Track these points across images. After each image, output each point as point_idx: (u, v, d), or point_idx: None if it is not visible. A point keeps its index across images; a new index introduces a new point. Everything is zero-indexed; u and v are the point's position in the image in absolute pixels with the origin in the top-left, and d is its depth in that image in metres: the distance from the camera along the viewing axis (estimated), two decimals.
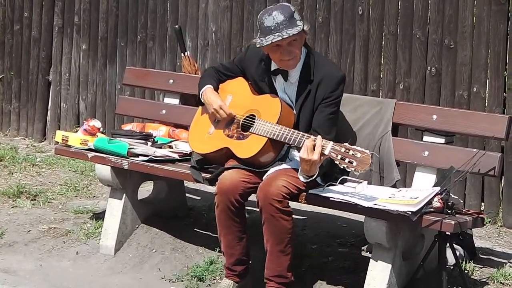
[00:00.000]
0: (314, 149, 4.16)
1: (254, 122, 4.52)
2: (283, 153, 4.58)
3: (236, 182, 4.41)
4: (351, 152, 4.09)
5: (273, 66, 4.58)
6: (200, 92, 4.77)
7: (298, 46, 4.44)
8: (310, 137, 4.24)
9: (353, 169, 4.08)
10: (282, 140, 4.38)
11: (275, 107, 4.49)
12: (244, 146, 4.51)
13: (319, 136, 4.21)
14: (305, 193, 4.42)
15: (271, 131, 4.41)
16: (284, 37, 4.32)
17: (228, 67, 4.85)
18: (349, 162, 4.09)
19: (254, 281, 4.64)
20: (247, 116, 4.58)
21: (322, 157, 4.18)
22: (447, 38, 5.95)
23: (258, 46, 4.41)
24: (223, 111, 4.61)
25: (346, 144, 4.14)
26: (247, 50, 4.73)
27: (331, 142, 4.16)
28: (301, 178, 4.34)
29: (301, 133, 4.33)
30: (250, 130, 4.53)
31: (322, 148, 4.15)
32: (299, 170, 4.33)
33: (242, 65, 4.74)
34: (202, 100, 4.76)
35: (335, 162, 4.14)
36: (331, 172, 4.50)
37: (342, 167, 4.12)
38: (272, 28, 4.34)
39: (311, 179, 4.32)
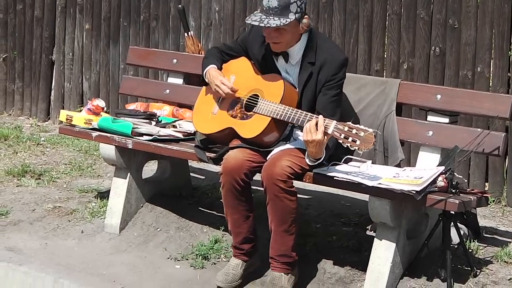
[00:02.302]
0: (316, 129, 4.15)
1: (257, 102, 4.51)
2: (287, 132, 4.58)
3: (241, 161, 4.41)
4: (354, 131, 4.09)
5: None
6: (204, 72, 4.76)
7: (284, 35, 4.39)
8: (313, 116, 4.23)
9: (356, 147, 4.08)
10: (285, 120, 4.37)
11: (278, 87, 4.49)
12: (247, 126, 4.51)
13: (320, 116, 4.19)
14: (309, 173, 4.42)
15: (274, 110, 4.40)
16: (261, 24, 4.32)
17: (231, 47, 4.83)
18: (352, 141, 4.08)
19: (262, 259, 4.65)
20: (250, 96, 4.57)
21: (326, 137, 4.17)
22: (451, 18, 5.93)
23: (245, 20, 4.41)
24: (225, 86, 4.59)
25: (350, 123, 4.13)
26: (251, 29, 4.71)
27: (334, 121, 4.15)
28: (309, 162, 4.34)
29: (304, 112, 4.32)
30: (253, 110, 4.52)
31: (325, 127, 4.14)
32: (306, 154, 4.33)
33: (245, 45, 4.73)
34: (206, 80, 4.75)
35: (339, 141, 4.14)
36: (336, 152, 4.50)
37: (345, 146, 4.12)
38: (264, 9, 4.34)
39: (318, 161, 4.32)
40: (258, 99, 4.52)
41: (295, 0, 4.34)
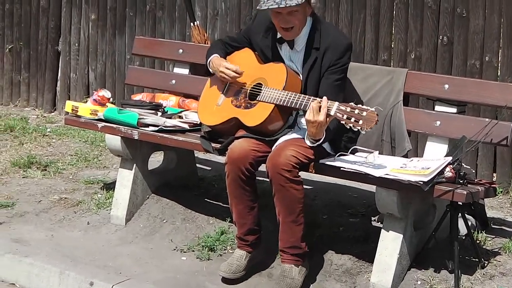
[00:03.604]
0: (320, 110, 4.15)
1: (261, 90, 4.51)
2: (291, 121, 4.57)
3: (246, 151, 4.40)
4: (356, 111, 4.08)
5: (279, 34, 4.56)
6: (208, 62, 4.76)
7: (298, 17, 4.41)
8: (316, 99, 4.22)
9: (359, 127, 4.06)
10: (288, 105, 4.36)
11: (281, 74, 4.49)
12: (251, 114, 4.51)
13: (324, 98, 4.19)
14: (315, 163, 4.41)
15: (277, 97, 4.40)
16: (280, 5, 4.30)
17: (235, 38, 4.86)
18: (355, 121, 4.07)
19: (266, 250, 4.65)
20: (254, 85, 4.58)
21: (328, 119, 4.17)
22: (459, 6, 5.91)
23: (258, 7, 4.40)
24: (229, 70, 4.60)
25: (352, 103, 4.13)
26: (254, 18, 4.73)
27: (337, 103, 4.15)
28: (308, 143, 4.33)
29: (307, 96, 4.32)
30: (257, 99, 4.52)
31: (327, 109, 4.14)
32: (306, 135, 4.33)
33: (248, 35, 4.74)
34: (210, 69, 4.75)
35: (341, 122, 4.13)
36: (340, 140, 4.50)
37: (348, 127, 4.10)
38: None
39: (318, 143, 4.30)
40: (261, 87, 4.51)
41: None
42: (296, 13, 4.38)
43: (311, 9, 4.48)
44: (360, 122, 4.06)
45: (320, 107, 4.15)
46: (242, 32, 4.84)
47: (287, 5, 4.31)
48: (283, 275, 4.39)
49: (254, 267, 4.62)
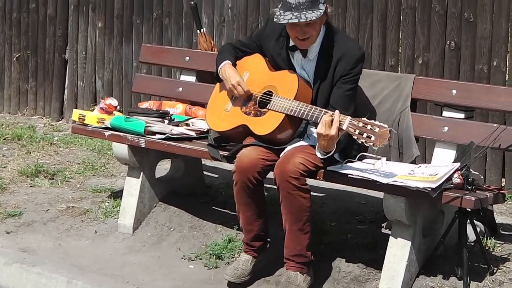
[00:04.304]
0: (331, 124, 4.13)
1: (271, 98, 4.50)
2: (301, 129, 4.56)
3: (255, 160, 4.40)
4: (369, 127, 4.07)
5: (292, 42, 4.55)
6: (218, 68, 4.74)
7: (315, 28, 4.39)
8: (327, 112, 4.21)
9: (371, 143, 4.06)
10: (299, 116, 4.35)
11: (293, 83, 4.47)
12: (261, 123, 4.50)
13: (336, 111, 4.18)
14: (323, 170, 4.40)
15: (288, 107, 4.39)
16: (301, 20, 4.27)
17: (246, 43, 4.82)
18: (367, 137, 4.06)
19: (273, 256, 4.65)
20: (264, 93, 4.56)
21: (339, 132, 4.15)
22: (467, 11, 5.90)
23: (275, 19, 4.37)
24: (241, 87, 4.59)
25: (364, 119, 4.12)
26: (266, 24, 4.71)
27: (349, 117, 4.14)
28: (318, 155, 4.32)
29: (319, 108, 4.30)
30: (267, 107, 4.51)
31: (340, 123, 4.13)
32: (316, 147, 4.32)
33: (260, 40, 4.71)
34: (220, 76, 4.73)
35: (353, 137, 4.12)
36: (349, 149, 4.48)
37: (360, 142, 4.10)
38: (293, 6, 4.28)
39: (328, 155, 4.30)
40: (272, 95, 4.50)
41: None
42: (313, 23, 4.35)
43: (326, 17, 4.45)
44: (372, 138, 4.04)
45: (332, 120, 4.13)
46: (253, 37, 4.80)
47: (308, 19, 4.28)
48: (288, 281, 4.39)
49: (260, 273, 4.63)
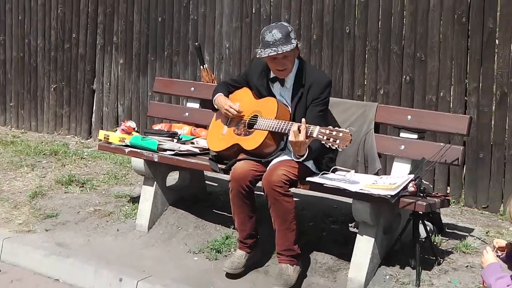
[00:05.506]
0: (299, 132, 4.15)
1: (257, 120, 4.53)
2: (283, 144, 4.58)
3: (247, 171, 4.41)
4: (334, 133, 4.10)
5: (272, 75, 4.59)
6: (213, 99, 4.79)
7: (290, 60, 4.45)
8: (297, 124, 4.23)
9: (337, 146, 4.08)
10: (279, 131, 4.38)
11: (273, 106, 4.52)
12: (249, 140, 4.53)
13: (303, 120, 4.21)
14: (302, 180, 4.41)
15: (270, 125, 4.43)
16: (278, 52, 4.34)
17: (236, 80, 4.91)
18: (333, 140, 4.09)
19: (262, 251, 4.66)
20: (251, 117, 4.60)
21: (309, 139, 4.17)
22: (419, 51, 5.92)
23: (257, 56, 4.42)
24: (233, 109, 4.63)
25: (330, 127, 4.15)
26: (251, 64, 4.77)
27: (318, 127, 4.17)
28: (294, 158, 4.34)
29: (292, 122, 4.33)
30: (254, 127, 4.55)
31: (311, 132, 4.15)
32: (292, 153, 4.33)
33: (247, 77, 4.78)
34: (216, 106, 4.78)
35: (322, 142, 4.14)
36: (322, 160, 4.50)
37: (328, 146, 4.11)
38: (271, 43, 4.35)
39: (302, 158, 4.30)
40: (257, 118, 4.54)
41: (291, 29, 4.42)
42: (289, 56, 4.41)
43: (298, 51, 4.51)
44: (337, 141, 4.07)
45: (299, 128, 4.16)
46: (241, 75, 4.90)
47: (284, 51, 4.34)
48: (281, 272, 4.38)
49: (252, 265, 4.62)
